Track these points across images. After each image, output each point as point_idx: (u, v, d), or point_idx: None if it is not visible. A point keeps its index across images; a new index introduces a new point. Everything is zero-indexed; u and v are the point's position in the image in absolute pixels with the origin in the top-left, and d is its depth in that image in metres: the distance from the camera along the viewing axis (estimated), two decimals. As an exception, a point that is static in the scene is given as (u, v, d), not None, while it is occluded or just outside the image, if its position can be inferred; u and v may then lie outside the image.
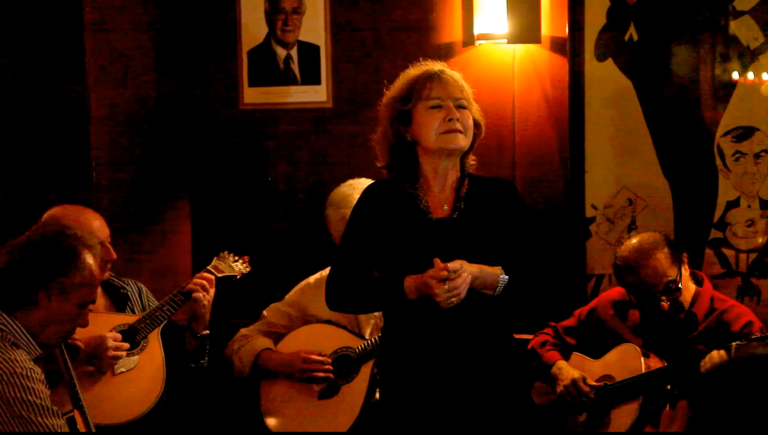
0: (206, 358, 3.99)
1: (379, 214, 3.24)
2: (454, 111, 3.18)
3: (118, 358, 3.74)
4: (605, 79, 4.46)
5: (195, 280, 3.94)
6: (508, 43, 4.57)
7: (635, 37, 4.43)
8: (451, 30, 4.73)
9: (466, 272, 3.06)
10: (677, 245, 3.89)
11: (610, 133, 4.49)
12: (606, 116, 4.48)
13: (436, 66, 3.26)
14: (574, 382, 3.88)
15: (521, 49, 4.64)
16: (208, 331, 3.95)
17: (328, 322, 4.11)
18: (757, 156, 4.34)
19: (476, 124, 3.25)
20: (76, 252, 3.12)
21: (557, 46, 4.59)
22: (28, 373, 2.96)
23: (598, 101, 4.48)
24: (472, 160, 3.31)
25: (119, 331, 3.80)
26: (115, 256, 3.91)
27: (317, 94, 4.93)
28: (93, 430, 3.30)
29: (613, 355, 3.93)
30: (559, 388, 3.92)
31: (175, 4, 5.04)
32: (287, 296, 4.24)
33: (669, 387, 3.76)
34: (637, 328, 3.95)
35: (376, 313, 3.94)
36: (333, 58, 4.90)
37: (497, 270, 3.15)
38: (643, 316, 3.93)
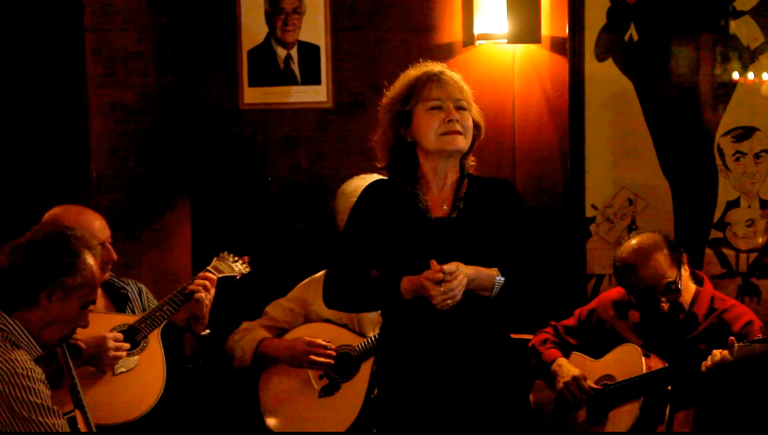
0: (205, 359, 3.99)
1: (378, 213, 3.25)
2: (453, 112, 3.18)
3: (118, 358, 3.74)
4: (605, 79, 4.46)
5: (195, 280, 3.95)
6: (508, 43, 4.57)
7: (635, 37, 4.43)
8: (451, 30, 4.73)
9: (461, 274, 3.06)
10: (677, 246, 3.90)
11: (610, 133, 4.49)
12: (606, 116, 4.48)
13: (436, 67, 3.26)
14: (575, 378, 3.88)
15: (521, 49, 4.64)
16: (208, 332, 3.96)
17: (328, 320, 4.12)
18: (757, 156, 4.34)
19: (476, 125, 3.25)
20: (77, 253, 3.12)
21: (557, 46, 4.59)
22: (29, 373, 2.97)
23: (598, 101, 4.48)
24: (471, 160, 3.32)
25: (119, 332, 3.80)
26: (115, 256, 3.91)
27: (317, 94, 4.93)
28: (94, 429, 3.30)
29: (613, 356, 3.93)
30: (559, 385, 3.91)
31: (175, 4, 5.03)
32: (290, 293, 4.26)
33: (669, 387, 3.77)
34: (637, 328, 3.95)
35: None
36: (333, 58, 4.90)
37: (493, 271, 3.15)
38: (643, 316, 3.93)
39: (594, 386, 3.88)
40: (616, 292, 4.05)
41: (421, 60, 3.31)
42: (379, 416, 3.42)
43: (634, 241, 3.89)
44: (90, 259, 3.15)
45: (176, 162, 5.08)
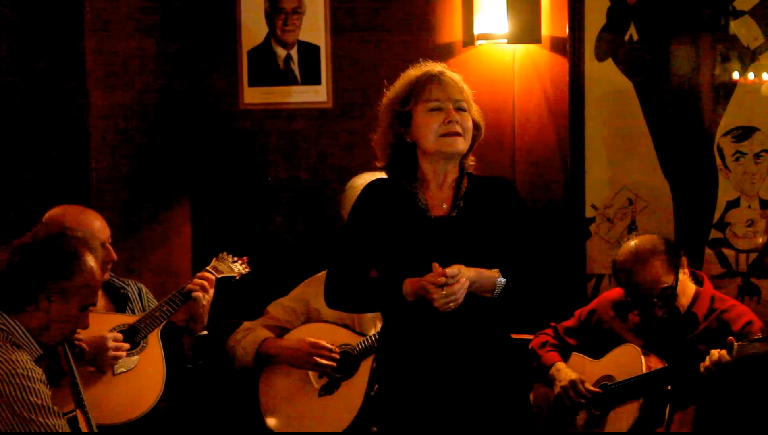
0: (204, 359, 3.99)
1: (377, 212, 3.24)
2: (453, 114, 3.18)
3: (118, 358, 3.74)
4: (605, 79, 4.46)
5: (195, 280, 3.95)
6: (508, 43, 4.57)
7: (635, 37, 4.43)
8: (451, 30, 4.73)
9: (463, 277, 3.07)
10: (676, 249, 3.89)
11: (610, 133, 4.49)
12: (606, 116, 4.48)
13: (436, 67, 3.26)
14: (572, 383, 3.89)
15: (521, 49, 4.64)
16: (206, 332, 3.96)
17: (329, 320, 4.12)
18: (757, 156, 4.34)
19: (476, 126, 3.25)
20: (78, 254, 3.12)
21: (557, 46, 4.59)
22: (29, 374, 2.97)
23: (598, 101, 4.48)
24: (471, 160, 3.31)
25: (119, 332, 3.80)
26: (115, 256, 3.91)
27: (317, 94, 4.93)
28: (95, 429, 3.30)
29: (613, 356, 3.93)
30: (557, 390, 3.92)
31: (176, 5, 5.04)
32: (292, 292, 4.26)
33: (669, 387, 3.77)
34: (637, 329, 3.95)
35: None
36: (333, 58, 4.90)
37: (494, 273, 3.15)
38: (642, 316, 3.93)
39: (592, 389, 3.88)
40: (616, 292, 4.05)
41: (421, 60, 3.31)
42: (379, 414, 3.42)
43: (633, 243, 3.89)
44: (91, 261, 3.15)
45: (176, 162, 5.08)
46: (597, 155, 4.50)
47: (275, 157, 5.01)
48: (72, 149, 4.89)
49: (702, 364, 3.63)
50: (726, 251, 4.39)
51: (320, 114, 4.94)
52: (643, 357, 3.82)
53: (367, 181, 3.38)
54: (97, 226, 3.86)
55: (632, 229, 4.43)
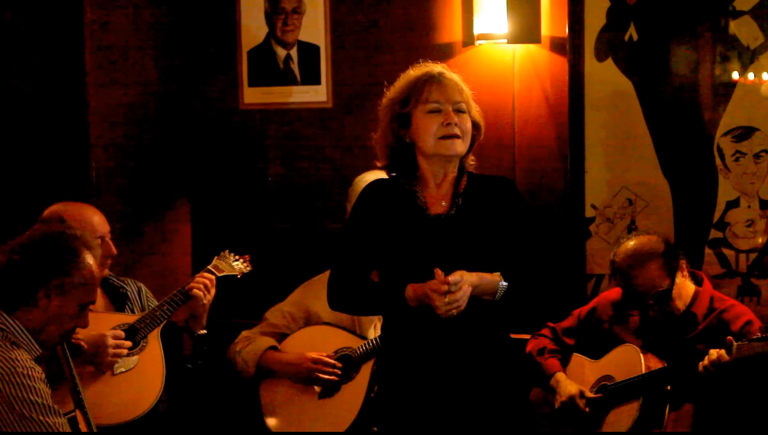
0: (204, 359, 3.99)
1: (377, 212, 3.25)
2: (452, 116, 3.18)
3: (119, 356, 3.74)
4: (605, 79, 4.46)
5: (196, 279, 3.95)
6: (508, 43, 4.57)
7: (635, 37, 4.43)
8: (451, 30, 4.73)
9: (466, 284, 3.07)
10: (675, 251, 3.88)
11: (609, 133, 4.49)
12: (606, 116, 4.48)
13: (435, 68, 3.25)
14: (571, 399, 3.88)
15: (521, 49, 4.64)
16: (205, 331, 3.95)
17: (329, 323, 4.12)
18: (757, 156, 4.34)
19: (475, 126, 3.25)
20: (77, 252, 3.12)
21: (557, 46, 4.59)
22: (29, 372, 2.97)
23: (598, 101, 4.48)
24: (471, 160, 3.31)
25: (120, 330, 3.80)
26: (115, 251, 3.91)
27: (317, 94, 4.94)
28: (94, 429, 3.30)
29: (612, 356, 3.93)
30: (557, 404, 3.93)
31: (176, 5, 5.04)
32: (289, 296, 4.25)
33: (669, 387, 3.77)
34: (636, 329, 3.95)
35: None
36: (333, 58, 4.90)
37: (496, 277, 3.16)
38: (641, 316, 3.93)
39: (592, 396, 3.88)
40: (615, 292, 4.05)
41: (421, 60, 3.31)
42: (380, 416, 3.43)
43: (631, 243, 3.89)
44: (89, 259, 3.14)
45: (176, 162, 5.08)
46: (597, 155, 4.50)
47: (275, 157, 5.01)
48: (72, 149, 4.89)
49: (701, 363, 3.63)
50: (726, 251, 4.38)
51: (320, 114, 4.94)
52: (642, 357, 3.82)
53: (377, 177, 3.39)
54: (96, 220, 3.87)
55: (632, 229, 4.43)
